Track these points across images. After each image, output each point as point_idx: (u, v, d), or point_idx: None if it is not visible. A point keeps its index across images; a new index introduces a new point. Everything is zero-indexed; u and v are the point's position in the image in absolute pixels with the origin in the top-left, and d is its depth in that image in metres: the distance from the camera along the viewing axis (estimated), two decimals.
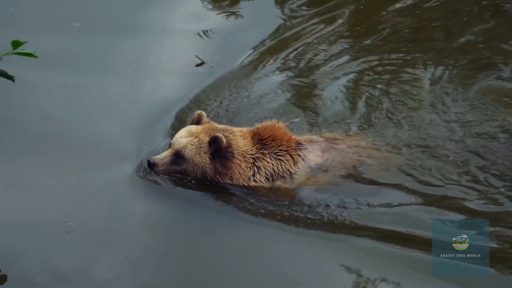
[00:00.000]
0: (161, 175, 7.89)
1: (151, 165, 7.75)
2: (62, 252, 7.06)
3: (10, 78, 5.23)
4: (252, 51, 10.92)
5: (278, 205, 7.75)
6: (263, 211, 7.69)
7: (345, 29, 11.44)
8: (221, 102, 9.51)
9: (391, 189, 8.03)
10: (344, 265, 7.15)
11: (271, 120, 8.20)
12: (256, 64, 10.61)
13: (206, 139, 7.73)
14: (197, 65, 10.49)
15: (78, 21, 11.09)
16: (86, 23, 11.04)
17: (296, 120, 9.04)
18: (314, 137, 8.33)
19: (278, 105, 9.49)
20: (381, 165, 8.17)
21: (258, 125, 8.16)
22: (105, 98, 9.53)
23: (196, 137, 7.77)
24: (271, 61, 10.64)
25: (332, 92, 9.73)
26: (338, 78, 10.11)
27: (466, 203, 7.89)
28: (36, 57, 5.14)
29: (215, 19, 11.65)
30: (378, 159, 8.21)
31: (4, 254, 6.95)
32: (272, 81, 10.12)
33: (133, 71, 10.17)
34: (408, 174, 8.19)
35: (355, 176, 8.07)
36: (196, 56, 10.60)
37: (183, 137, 7.79)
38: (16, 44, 5.09)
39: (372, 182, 8.08)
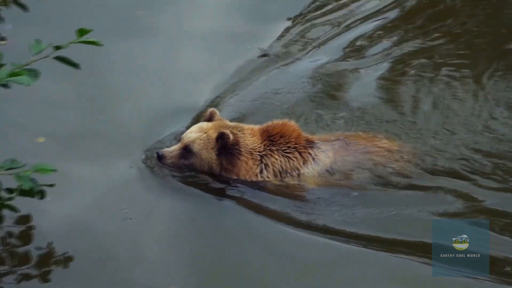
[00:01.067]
0: (170, 168, 8.08)
1: (160, 157, 7.99)
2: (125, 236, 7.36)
3: (75, 65, 5.33)
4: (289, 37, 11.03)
5: (286, 203, 7.84)
6: (272, 206, 7.81)
7: (393, 17, 11.43)
8: (259, 93, 9.64)
9: (399, 192, 8.03)
10: (347, 263, 7.25)
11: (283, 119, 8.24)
12: (297, 52, 10.73)
13: (214, 135, 7.89)
14: (259, 56, 10.56)
15: (142, 8, 11.23)
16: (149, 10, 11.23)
17: (341, 114, 9.05)
18: (330, 136, 8.34)
19: (310, 97, 9.54)
20: (396, 167, 8.16)
21: (268, 122, 8.19)
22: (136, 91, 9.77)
23: (205, 133, 7.95)
24: (309, 49, 10.74)
25: (369, 86, 9.76)
26: (378, 69, 10.12)
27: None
28: (101, 45, 5.24)
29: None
30: (393, 161, 8.19)
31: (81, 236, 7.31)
32: (306, 70, 10.20)
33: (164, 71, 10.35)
34: (427, 180, 8.17)
35: (365, 179, 8.06)
36: (258, 48, 10.66)
37: (193, 132, 7.99)
38: (82, 32, 5.20)
39: (380, 185, 8.09)
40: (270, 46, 10.90)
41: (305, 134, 8.22)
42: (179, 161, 7.98)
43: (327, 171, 8.03)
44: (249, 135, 7.98)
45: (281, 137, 8.02)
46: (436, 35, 10.92)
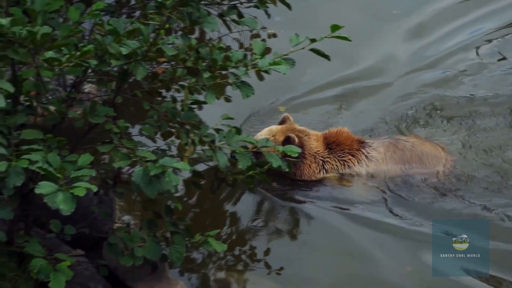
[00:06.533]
0: None
1: (232, 156, 8.29)
2: None
3: (327, 57, 5.89)
4: None
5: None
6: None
7: None
8: None
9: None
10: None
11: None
12: None
13: (281, 138, 8.44)
14: (499, 60, 10.60)
15: (397, 8, 11.61)
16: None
17: None
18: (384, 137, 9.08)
19: None
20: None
21: (326, 130, 8.90)
22: None
23: (273, 136, 8.50)
24: None
25: None
26: None
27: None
28: (350, 40, 5.75)
29: None
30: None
31: None
32: None
33: None
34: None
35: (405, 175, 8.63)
36: (499, 52, 10.65)
37: (262, 134, 8.57)
38: (334, 27, 5.72)
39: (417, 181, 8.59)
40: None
41: (357, 137, 8.93)
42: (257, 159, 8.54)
43: (377, 163, 8.69)
44: (314, 140, 8.46)
45: (337, 145, 8.72)
46: None
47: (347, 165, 8.75)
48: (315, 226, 8.30)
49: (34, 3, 5.29)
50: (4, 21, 5.05)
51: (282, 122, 8.98)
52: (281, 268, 7.62)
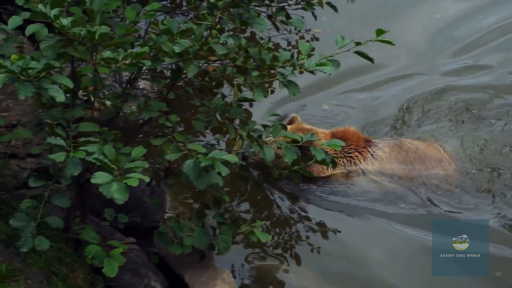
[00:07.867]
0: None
1: (244, 158, 8.63)
2: None
3: (370, 59, 6.04)
4: None
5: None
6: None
7: None
8: None
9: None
10: None
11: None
12: None
13: None
14: None
15: (439, 12, 11.66)
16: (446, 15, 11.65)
17: None
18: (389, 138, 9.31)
19: None
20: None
21: (333, 129, 9.08)
22: None
23: (284, 135, 8.33)
24: None
25: None
26: None
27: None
28: (393, 45, 5.85)
29: None
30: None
31: None
32: None
33: None
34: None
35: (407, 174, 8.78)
36: None
37: None
38: (379, 32, 5.84)
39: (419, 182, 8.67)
40: None
41: (364, 136, 9.13)
42: (261, 159, 8.44)
43: (382, 162, 8.87)
44: (322, 138, 8.56)
45: (344, 141, 8.53)
46: None
47: (354, 162, 9.00)
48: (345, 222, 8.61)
49: (93, 3, 5.56)
50: (66, 21, 5.34)
51: (291, 122, 9.19)
52: (321, 259, 7.81)
